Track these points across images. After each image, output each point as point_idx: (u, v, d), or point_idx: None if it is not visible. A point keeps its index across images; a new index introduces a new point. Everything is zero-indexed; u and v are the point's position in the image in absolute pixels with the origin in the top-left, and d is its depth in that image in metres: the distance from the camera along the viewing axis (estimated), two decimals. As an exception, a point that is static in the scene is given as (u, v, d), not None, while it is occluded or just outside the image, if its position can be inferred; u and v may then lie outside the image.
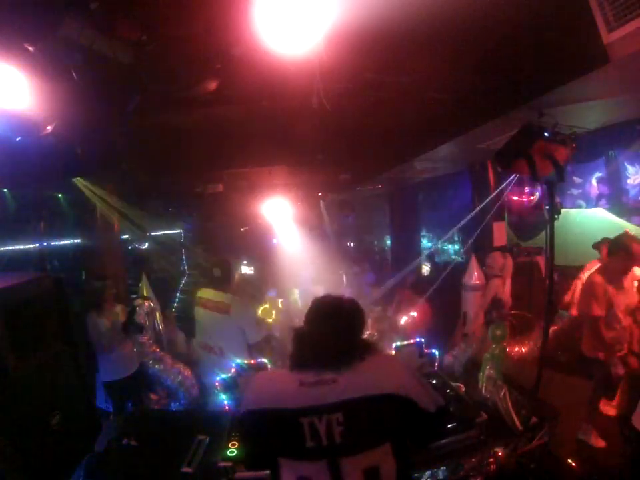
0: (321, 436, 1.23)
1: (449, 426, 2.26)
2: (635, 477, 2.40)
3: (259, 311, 5.82)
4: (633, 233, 3.67)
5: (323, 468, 1.23)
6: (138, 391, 3.96)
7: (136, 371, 3.84)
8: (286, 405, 1.27)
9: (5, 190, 4.77)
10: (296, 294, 6.58)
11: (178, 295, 7.06)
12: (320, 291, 5.86)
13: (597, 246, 4.18)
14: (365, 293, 6.45)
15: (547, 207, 2.48)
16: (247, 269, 7.39)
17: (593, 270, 3.74)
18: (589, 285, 3.30)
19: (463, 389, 2.70)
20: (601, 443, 3.21)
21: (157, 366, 4.23)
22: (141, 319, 4.17)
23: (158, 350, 4.37)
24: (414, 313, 5.35)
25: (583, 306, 3.35)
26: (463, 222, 5.73)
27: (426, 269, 9.04)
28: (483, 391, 2.71)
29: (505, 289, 4.57)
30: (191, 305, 3.93)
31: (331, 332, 1.34)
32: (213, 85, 2.52)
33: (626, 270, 3.29)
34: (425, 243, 11.33)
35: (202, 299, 3.45)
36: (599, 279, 3.25)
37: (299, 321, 1.49)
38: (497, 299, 4.19)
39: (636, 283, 3.51)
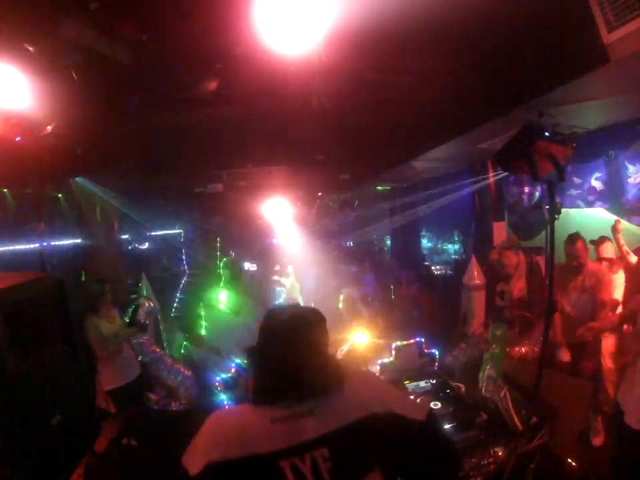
0: (306, 478, 1.03)
1: (448, 426, 2.27)
2: (630, 474, 2.41)
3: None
4: (628, 248, 3.75)
5: None
6: (141, 394, 3.92)
7: (138, 374, 3.75)
8: (260, 449, 1.04)
9: (5, 190, 4.77)
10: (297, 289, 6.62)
11: (178, 294, 7.06)
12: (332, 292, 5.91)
13: (594, 243, 4.20)
14: (367, 292, 6.46)
15: (547, 207, 2.48)
16: (250, 266, 7.42)
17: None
18: None
19: (463, 389, 2.71)
20: (597, 441, 3.22)
21: (156, 366, 4.23)
22: (141, 318, 4.18)
23: (158, 350, 4.37)
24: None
25: None
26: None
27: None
28: (483, 391, 2.71)
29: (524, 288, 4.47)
30: (191, 305, 3.94)
31: (299, 356, 1.12)
32: (213, 85, 2.52)
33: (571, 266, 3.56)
34: (425, 242, 11.33)
35: (211, 300, 3.46)
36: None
37: None
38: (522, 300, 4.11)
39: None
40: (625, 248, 3.72)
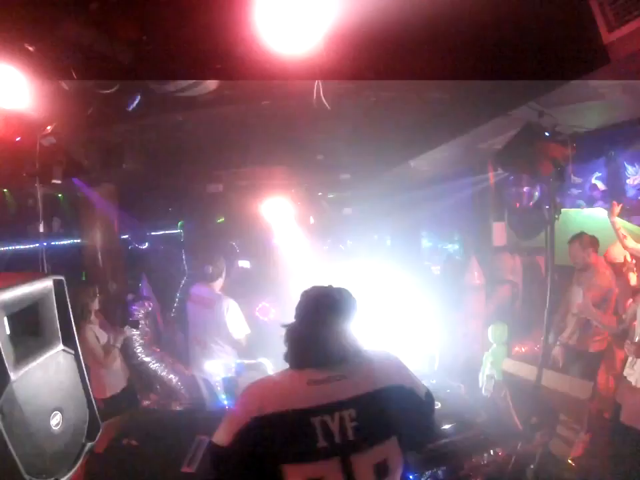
0: (333, 434, 1.19)
1: (448, 426, 2.27)
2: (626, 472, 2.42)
3: None
4: (625, 232, 3.71)
5: (334, 467, 1.19)
6: (134, 400, 3.81)
7: (129, 381, 3.67)
8: (296, 405, 1.21)
9: (5, 190, 4.78)
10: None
11: (178, 294, 7.05)
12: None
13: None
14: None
15: (547, 207, 2.48)
16: (244, 263, 7.42)
17: None
18: None
19: (463, 389, 2.71)
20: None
21: (157, 366, 4.23)
22: (141, 318, 4.17)
23: (158, 350, 4.37)
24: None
25: None
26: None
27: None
28: (483, 391, 2.71)
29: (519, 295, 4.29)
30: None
31: (333, 327, 1.28)
32: (212, 85, 2.52)
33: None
34: (425, 242, 11.32)
35: (191, 294, 3.56)
36: None
37: None
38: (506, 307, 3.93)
39: None
40: (622, 231, 3.64)
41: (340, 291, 1.37)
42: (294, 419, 1.19)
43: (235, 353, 3.32)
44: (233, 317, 3.34)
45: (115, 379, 3.50)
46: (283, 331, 1.35)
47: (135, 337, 4.07)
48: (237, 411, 1.28)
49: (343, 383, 1.24)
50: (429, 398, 1.40)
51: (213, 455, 1.31)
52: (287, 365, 1.34)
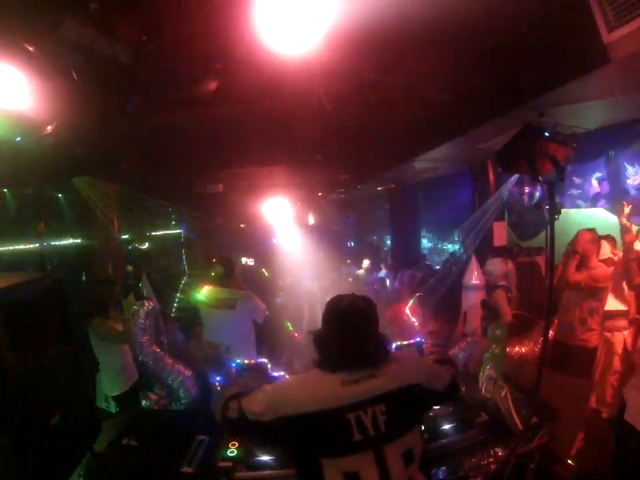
0: (367, 428, 1.31)
1: (448, 426, 2.27)
2: (627, 472, 2.42)
3: None
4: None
5: (369, 459, 1.30)
6: (139, 397, 3.89)
7: (138, 377, 3.70)
8: (333, 404, 1.33)
9: (5, 190, 4.78)
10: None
11: (178, 294, 7.04)
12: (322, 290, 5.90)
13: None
14: (370, 292, 6.44)
15: (547, 207, 2.47)
16: (247, 260, 7.42)
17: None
18: None
19: (463, 389, 2.70)
20: None
21: (157, 366, 4.22)
22: (141, 319, 4.16)
23: (158, 350, 4.36)
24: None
25: None
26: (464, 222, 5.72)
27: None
28: (483, 391, 2.71)
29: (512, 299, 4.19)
30: (191, 305, 3.93)
31: (360, 333, 1.41)
32: (212, 85, 2.52)
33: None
34: (425, 242, 11.33)
35: (206, 298, 3.48)
36: None
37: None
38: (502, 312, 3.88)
39: None
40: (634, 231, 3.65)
41: (363, 298, 1.50)
42: (330, 416, 1.32)
43: (255, 350, 3.30)
44: (259, 310, 3.33)
45: (127, 376, 3.54)
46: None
47: (136, 336, 4.07)
48: (268, 398, 1.39)
49: (373, 381, 1.36)
50: (450, 389, 1.55)
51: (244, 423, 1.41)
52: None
